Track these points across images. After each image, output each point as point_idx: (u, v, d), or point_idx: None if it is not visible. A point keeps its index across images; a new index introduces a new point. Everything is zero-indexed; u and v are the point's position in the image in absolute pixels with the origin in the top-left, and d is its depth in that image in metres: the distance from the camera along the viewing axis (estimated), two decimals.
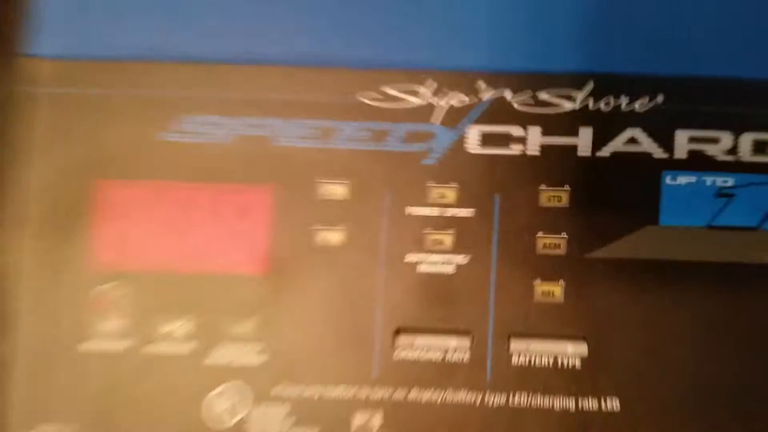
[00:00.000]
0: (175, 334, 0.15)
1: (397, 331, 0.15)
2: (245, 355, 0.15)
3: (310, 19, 0.16)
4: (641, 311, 0.15)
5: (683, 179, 0.15)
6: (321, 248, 0.15)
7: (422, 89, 0.15)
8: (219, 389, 0.15)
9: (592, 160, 0.15)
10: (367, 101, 0.15)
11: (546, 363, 0.15)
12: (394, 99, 0.15)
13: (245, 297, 0.15)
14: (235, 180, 0.15)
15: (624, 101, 0.15)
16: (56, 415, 0.15)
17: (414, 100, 0.15)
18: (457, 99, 0.15)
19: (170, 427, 0.15)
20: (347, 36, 0.16)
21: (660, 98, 0.15)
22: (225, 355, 0.15)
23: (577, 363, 0.15)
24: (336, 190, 0.15)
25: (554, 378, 0.15)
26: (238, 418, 0.15)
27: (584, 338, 0.15)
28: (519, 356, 0.15)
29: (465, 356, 0.15)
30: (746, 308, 0.14)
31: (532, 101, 0.15)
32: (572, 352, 0.15)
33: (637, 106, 0.15)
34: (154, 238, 0.15)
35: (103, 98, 0.16)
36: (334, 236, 0.15)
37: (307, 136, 0.15)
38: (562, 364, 0.15)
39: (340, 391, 0.15)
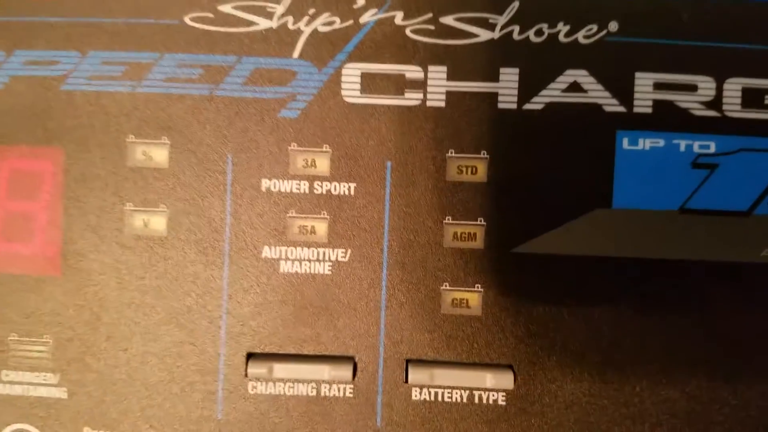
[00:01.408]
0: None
1: (249, 357, 0.10)
2: (37, 387, 0.10)
3: None
4: (585, 328, 0.10)
5: (646, 142, 0.11)
6: (134, 239, 0.11)
7: (275, 6, 0.11)
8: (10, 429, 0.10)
9: (519, 115, 0.10)
10: (195, 24, 0.11)
11: (458, 399, 0.10)
12: (235, 21, 0.11)
13: (35, 305, 0.10)
14: (10, 141, 0.11)
15: (563, 30, 0.11)
16: None
17: (263, 22, 0.11)
18: (327, 22, 0.11)
19: None
20: None
21: (613, 26, 0.11)
22: (12, 384, 0.10)
23: (500, 399, 0.10)
24: (153, 153, 0.11)
25: (470, 420, 0.10)
26: None
27: (509, 366, 0.10)
28: (420, 391, 0.10)
29: (346, 391, 0.10)
30: (727, 327, 0.10)
31: (432, 27, 0.11)
32: (493, 384, 0.10)
33: (581, 37, 0.11)
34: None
35: None
36: (153, 221, 0.11)
37: (112, 76, 0.11)
38: (480, 400, 0.10)
39: None
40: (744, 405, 0.10)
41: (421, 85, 0.11)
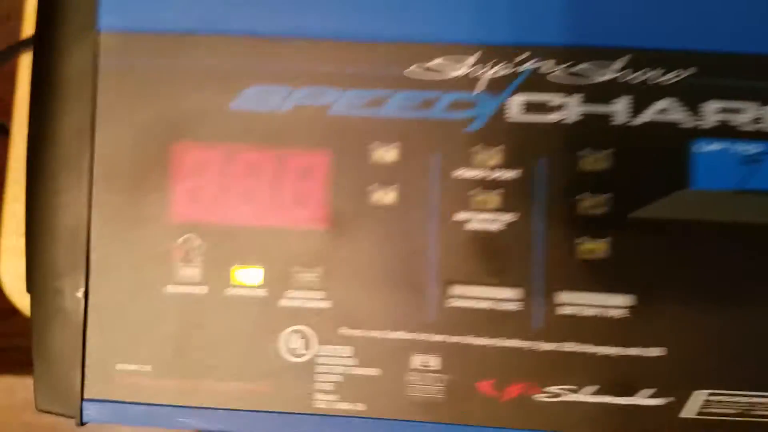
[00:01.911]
0: (250, 280, 0.17)
1: (449, 282, 0.17)
2: (312, 300, 0.17)
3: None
4: (678, 266, 0.16)
5: (712, 147, 0.16)
6: (375, 207, 0.17)
7: (467, 62, 0.17)
8: (293, 328, 0.17)
9: (628, 128, 0.16)
10: (411, 73, 0.17)
11: (590, 314, 0.16)
12: (439, 71, 0.17)
13: (308, 249, 0.17)
14: (298, 145, 0.17)
15: (657, 73, 0.16)
16: (134, 357, 0.17)
17: (458, 72, 0.17)
18: (500, 69, 0.16)
19: (248, 363, 0.16)
20: (396, 12, 0.17)
21: (692, 71, 0.16)
22: (294, 299, 0.17)
23: (620, 314, 0.16)
24: (387, 154, 0.17)
25: (598, 328, 0.16)
26: (311, 354, 0.17)
27: (629, 292, 0.16)
28: (565, 307, 0.16)
29: (514, 306, 0.16)
30: None
31: (571, 72, 0.16)
32: (615, 303, 0.16)
33: (670, 77, 0.16)
34: (225, 195, 0.17)
35: (176, 69, 0.17)
36: (387, 196, 0.17)
37: (360, 105, 0.17)
38: (603, 315, 0.16)
39: (398, 335, 0.16)
40: None
41: (560, 108, 0.16)
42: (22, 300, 0.27)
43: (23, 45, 0.31)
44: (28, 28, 0.31)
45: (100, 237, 0.17)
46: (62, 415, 0.17)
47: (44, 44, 0.18)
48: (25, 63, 0.31)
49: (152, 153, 0.17)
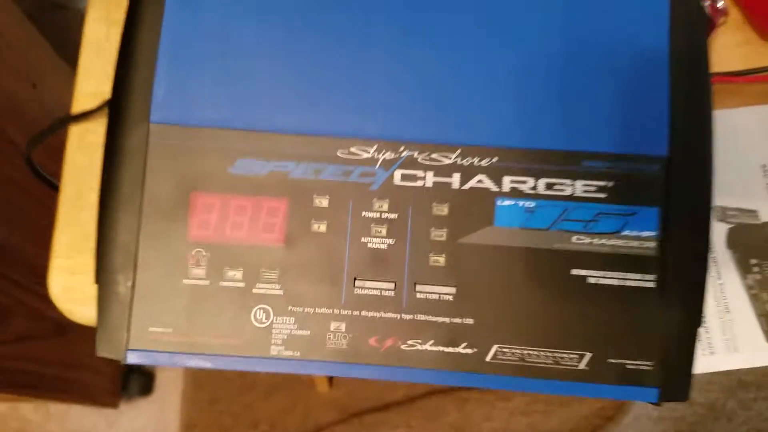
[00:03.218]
0: (235, 277, 0.27)
1: (355, 278, 0.27)
2: (272, 290, 0.27)
3: (311, 106, 0.28)
4: (487, 270, 0.27)
5: (507, 202, 0.27)
6: (314, 233, 0.27)
7: (370, 150, 0.28)
8: (259, 306, 0.27)
9: (458, 192, 0.27)
10: (339, 154, 0.28)
11: (434, 298, 0.27)
12: (355, 154, 0.28)
13: (271, 259, 0.27)
14: (269, 195, 0.28)
15: (476, 160, 0.28)
16: (161, 322, 0.27)
17: (365, 155, 0.28)
18: (389, 156, 0.28)
19: (231, 327, 0.27)
20: (332, 118, 0.28)
21: (495, 159, 0.28)
22: (261, 289, 0.27)
23: (450, 298, 0.27)
24: (322, 201, 0.28)
25: (437, 306, 0.27)
26: (269, 322, 0.27)
27: (455, 285, 0.27)
28: (420, 294, 0.27)
29: (391, 293, 0.27)
30: (543, 271, 0.27)
31: (429, 158, 0.28)
32: (448, 292, 0.27)
33: (484, 162, 0.28)
34: (222, 224, 0.28)
35: (195, 146, 0.28)
36: (321, 226, 0.28)
37: (312, 173, 0.28)
38: (441, 299, 0.27)
39: (322, 311, 0.27)
40: None
41: (423, 178, 0.28)
42: (66, 305, 0.36)
43: (73, 119, 0.41)
44: (77, 106, 0.41)
45: (143, 248, 0.27)
46: (113, 358, 0.27)
47: (115, 128, 0.29)
48: (74, 131, 0.40)
49: (178, 198, 0.28)
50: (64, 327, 0.82)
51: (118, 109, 0.28)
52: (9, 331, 0.72)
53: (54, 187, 0.38)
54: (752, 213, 0.37)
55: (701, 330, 0.27)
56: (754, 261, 0.36)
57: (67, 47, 0.90)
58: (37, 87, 0.83)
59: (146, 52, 0.28)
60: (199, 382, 0.92)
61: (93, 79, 0.41)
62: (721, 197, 0.37)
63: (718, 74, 0.41)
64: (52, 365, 0.79)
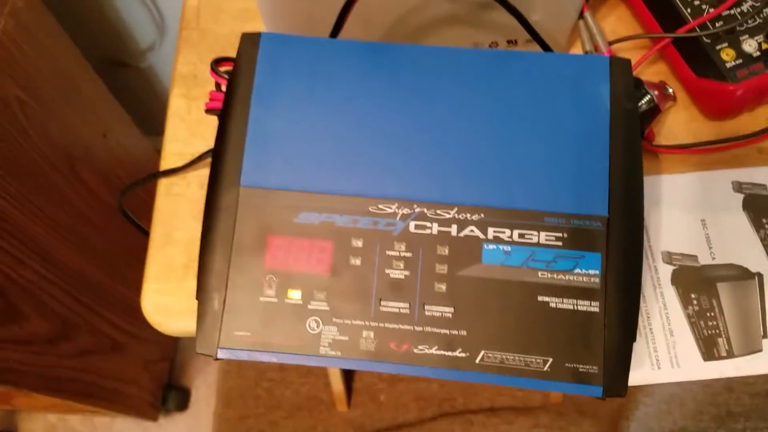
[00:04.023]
0: (295, 296, 0.38)
1: (380, 300, 0.38)
2: (321, 306, 0.38)
3: (351, 175, 0.40)
4: (477, 296, 0.37)
5: (491, 246, 0.38)
6: (352, 266, 0.38)
7: (393, 207, 0.39)
8: (312, 318, 0.38)
9: (455, 238, 0.38)
10: (370, 209, 0.39)
11: (438, 315, 0.37)
12: (381, 210, 0.39)
13: (321, 284, 0.38)
14: (320, 238, 0.39)
15: (468, 215, 0.38)
16: (243, 328, 0.38)
17: (389, 210, 0.39)
18: (406, 211, 0.39)
19: (292, 332, 0.37)
20: (365, 184, 0.40)
21: (482, 214, 0.38)
22: (313, 305, 0.38)
23: (449, 315, 0.37)
24: (359, 243, 0.39)
25: (440, 322, 0.37)
26: (319, 330, 0.37)
27: (453, 306, 0.37)
28: (428, 312, 0.37)
29: (407, 311, 0.37)
30: (517, 297, 0.37)
31: (435, 213, 0.39)
32: (448, 310, 0.37)
33: (474, 217, 0.38)
34: (288, 258, 0.39)
35: (272, 204, 0.39)
36: (356, 261, 0.38)
37: (351, 223, 0.39)
38: (443, 316, 0.37)
39: (357, 323, 0.37)
40: None
41: (431, 227, 0.38)
42: (156, 319, 0.43)
43: (162, 174, 0.52)
44: (164, 164, 0.50)
45: (232, 275, 0.38)
46: (207, 354, 0.37)
47: (214, 188, 0.40)
48: (162, 183, 0.50)
49: (258, 239, 0.39)
50: (119, 345, 0.93)
51: (217, 175, 0.40)
52: (75, 346, 0.84)
53: (144, 232, 0.48)
54: (693, 257, 0.47)
55: (634, 344, 0.36)
56: (693, 295, 0.45)
57: (130, 102, 1.06)
58: (106, 137, 0.99)
59: (238, 136, 0.40)
60: (229, 400, 1.00)
61: (177, 143, 0.54)
62: (668, 244, 0.47)
63: (669, 147, 0.52)
64: (107, 378, 0.90)
